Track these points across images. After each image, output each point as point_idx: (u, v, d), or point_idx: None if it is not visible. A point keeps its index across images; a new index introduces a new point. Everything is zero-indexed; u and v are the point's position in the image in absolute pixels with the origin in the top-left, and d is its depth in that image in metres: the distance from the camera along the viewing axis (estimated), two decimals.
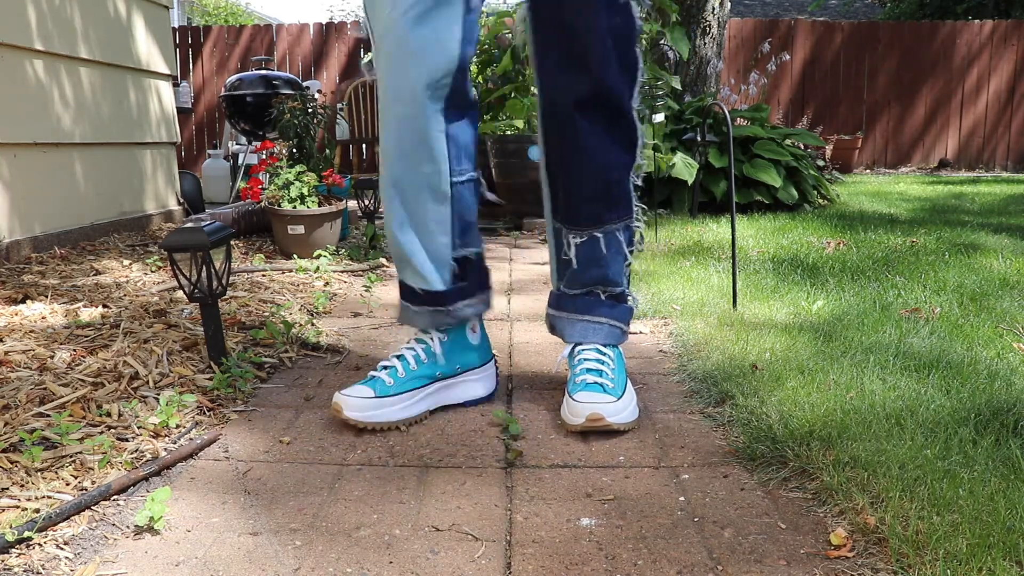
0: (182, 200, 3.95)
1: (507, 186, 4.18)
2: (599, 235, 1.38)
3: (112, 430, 1.26)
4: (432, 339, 1.41)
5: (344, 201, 3.08)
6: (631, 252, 1.42)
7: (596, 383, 1.32)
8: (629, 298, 1.46)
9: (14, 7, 2.65)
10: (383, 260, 2.89)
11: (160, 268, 2.57)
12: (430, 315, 1.39)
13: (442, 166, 1.30)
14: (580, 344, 1.42)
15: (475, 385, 1.45)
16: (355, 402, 1.30)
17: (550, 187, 1.42)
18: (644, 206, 1.45)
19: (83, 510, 1.02)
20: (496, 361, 1.52)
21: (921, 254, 2.75)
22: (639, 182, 1.40)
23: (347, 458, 1.22)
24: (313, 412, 1.41)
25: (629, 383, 1.38)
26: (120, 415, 1.31)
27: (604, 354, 1.39)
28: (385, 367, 1.38)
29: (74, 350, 1.58)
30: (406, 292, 1.41)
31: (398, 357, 1.39)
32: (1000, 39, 8.73)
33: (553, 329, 1.49)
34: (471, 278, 1.41)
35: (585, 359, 1.39)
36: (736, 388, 1.41)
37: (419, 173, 1.30)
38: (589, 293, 1.43)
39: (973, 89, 8.81)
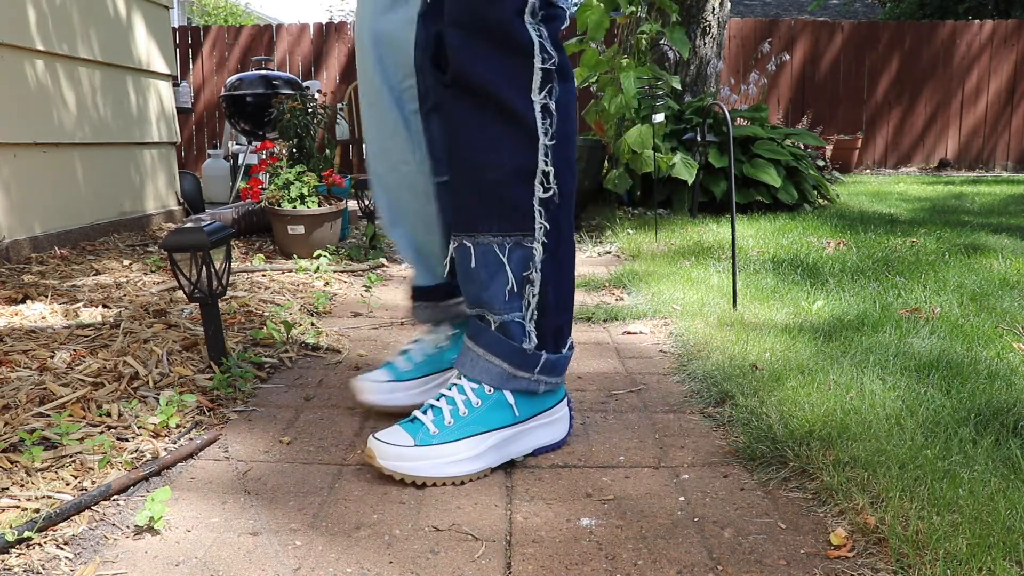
0: (182, 200, 3.95)
1: None
2: (469, 245, 1.17)
3: (112, 430, 1.26)
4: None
5: (344, 201, 3.08)
6: (525, 278, 1.16)
7: (418, 421, 1.15)
8: (528, 336, 1.18)
9: (14, 7, 2.65)
10: (383, 260, 2.89)
11: (160, 268, 2.57)
12: (422, 310, 1.41)
13: (422, 166, 1.29)
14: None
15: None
16: (373, 386, 1.35)
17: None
18: (548, 224, 1.17)
19: (83, 510, 1.02)
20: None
21: (921, 254, 2.75)
22: (544, 195, 1.15)
23: (347, 458, 1.22)
24: (313, 412, 1.41)
25: (478, 442, 1.15)
26: (120, 415, 1.31)
27: (463, 392, 1.18)
28: (406, 350, 1.40)
29: (74, 350, 1.58)
30: (412, 290, 1.42)
31: (415, 340, 1.41)
32: (1000, 39, 8.73)
33: None
34: None
35: (442, 394, 1.19)
36: (736, 388, 1.41)
37: (399, 172, 1.30)
38: (480, 317, 1.21)
39: (973, 89, 8.81)
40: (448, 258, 1.25)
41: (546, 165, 1.15)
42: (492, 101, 1.12)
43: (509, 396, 1.19)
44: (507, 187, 1.14)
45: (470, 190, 1.17)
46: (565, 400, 1.27)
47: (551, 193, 1.16)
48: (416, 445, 1.12)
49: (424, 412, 1.17)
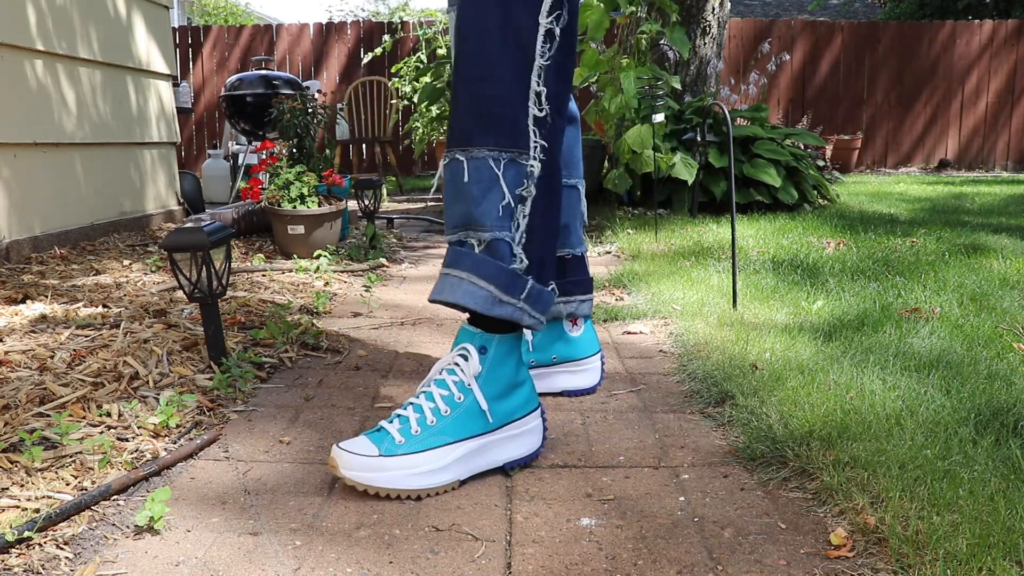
0: (182, 200, 3.95)
1: None
2: (462, 159, 1.14)
3: (112, 430, 1.26)
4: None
5: (344, 201, 3.08)
6: (518, 196, 1.15)
7: (384, 430, 1.11)
8: (517, 258, 1.16)
9: (14, 7, 2.65)
10: (383, 260, 2.89)
11: (160, 268, 2.57)
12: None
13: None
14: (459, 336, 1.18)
15: (573, 377, 1.47)
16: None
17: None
18: (544, 142, 1.17)
19: (83, 510, 1.02)
20: (603, 355, 1.53)
21: (921, 254, 2.75)
22: (539, 114, 1.16)
23: None
24: (313, 412, 1.41)
25: (444, 453, 1.10)
26: (120, 415, 1.31)
27: (430, 399, 1.13)
28: None
29: (74, 350, 1.58)
30: None
31: None
32: (1000, 39, 8.74)
33: None
34: (569, 276, 1.47)
35: (409, 402, 1.15)
36: (736, 388, 1.41)
37: None
38: (461, 242, 1.16)
39: (973, 89, 8.81)
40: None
41: (538, 86, 1.15)
42: (500, 16, 1.12)
43: (482, 400, 1.14)
44: (504, 102, 1.13)
45: (467, 102, 1.14)
46: (539, 410, 1.22)
47: (544, 114, 1.16)
48: (380, 456, 1.08)
49: (391, 421, 1.12)
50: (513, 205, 1.15)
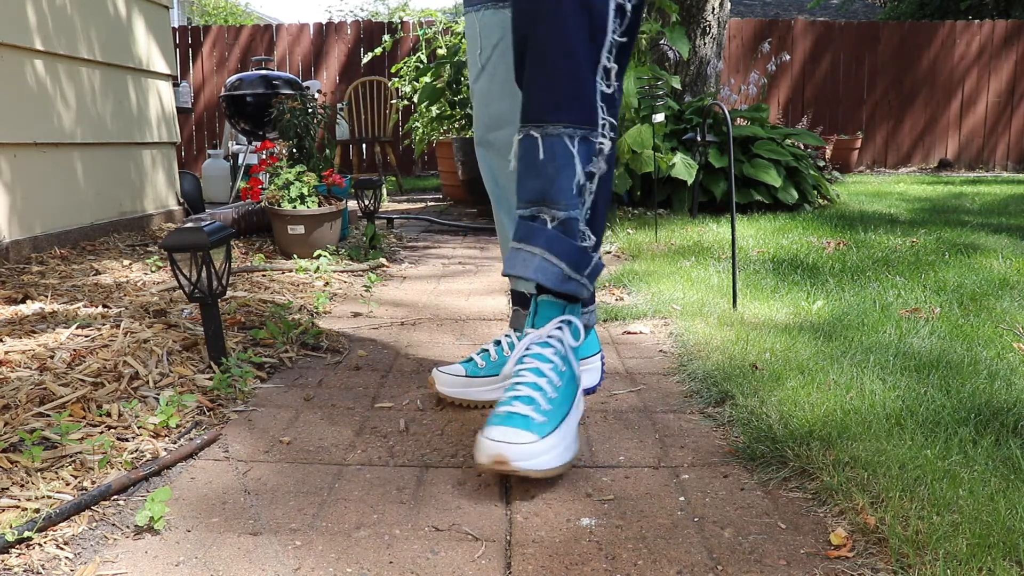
0: (182, 200, 3.95)
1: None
2: (537, 135, 1.15)
3: (112, 430, 1.26)
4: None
5: (344, 201, 3.08)
6: (589, 174, 1.18)
7: (518, 414, 1.09)
8: (585, 235, 1.20)
9: (14, 7, 2.65)
10: (383, 260, 2.89)
11: (160, 268, 2.57)
12: (522, 317, 1.43)
13: None
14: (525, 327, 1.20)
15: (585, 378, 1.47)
16: (446, 378, 1.41)
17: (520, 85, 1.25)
18: (612, 119, 1.20)
19: (83, 510, 1.02)
20: (603, 356, 1.52)
21: (921, 254, 2.75)
22: (607, 91, 1.18)
23: (347, 458, 1.22)
24: (313, 412, 1.41)
25: (573, 412, 1.16)
26: (120, 415, 1.31)
27: (544, 375, 1.15)
28: (484, 350, 1.44)
29: (74, 350, 1.58)
30: (516, 297, 1.47)
31: (494, 341, 1.45)
32: (1000, 39, 8.73)
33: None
34: None
35: (519, 382, 1.14)
36: (736, 388, 1.41)
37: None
38: (534, 217, 1.19)
39: (973, 89, 8.81)
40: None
41: (608, 62, 1.16)
42: None
43: (577, 368, 1.19)
44: (577, 78, 1.14)
45: (542, 77, 1.15)
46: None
47: (612, 90, 1.18)
48: (539, 440, 1.07)
49: (510, 403, 1.11)
50: (583, 183, 1.17)
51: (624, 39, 1.18)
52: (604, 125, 1.18)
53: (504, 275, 1.20)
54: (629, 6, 1.16)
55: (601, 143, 1.18)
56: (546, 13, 1.13)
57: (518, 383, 1.14)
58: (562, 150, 1.15)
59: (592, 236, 1.21)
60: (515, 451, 1.04)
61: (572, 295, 1.20)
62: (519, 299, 1.47)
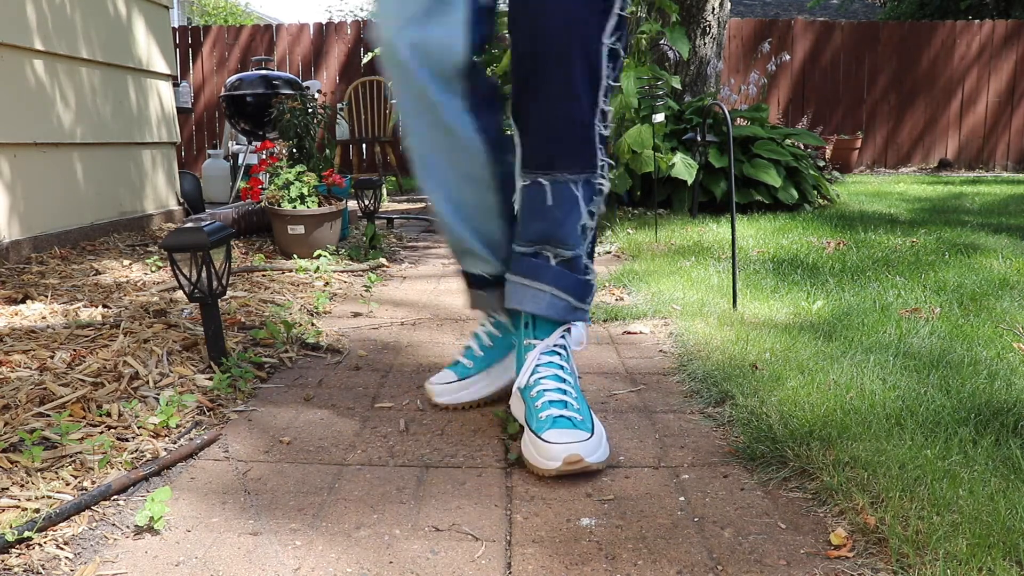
0: (182, 200, 3.95)
1: None
2: (545, 183, 1.20)
3: (112, 430, 1.26)
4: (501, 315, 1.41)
5: (344, 201, 3.08)
6: (591, 213, 1.23)
7: (563, 417, 1.17)
8: (587, 270, 1.27)
9: (14, 7, 2.65)
10: (383, 260, 2.89)
11: (160, 268, 2.57)
12: (482, 298, 1.43)
13: (478, 157, 1.29)
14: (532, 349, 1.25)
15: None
16: (440, 388, 1.41)
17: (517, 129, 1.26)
18: (611, 161, 1.28)
19: (83, 510, 1.02)
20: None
21: (921, 254, 2.75)
22: (605, 132, 1.22)
23: (347, 458, 1.22)
24: (313, 412, 1.41)
25: (589, 409, 1.25)
26: (120, 415, 1.31)
27: (564, 380, 1.23)
28: (467, 347, 1.45)
29: (74, 350, 1.58)
30: (472, 280, 1.43)
31: (473, 336, 1.45)
32: (1000, 39, 8.73)
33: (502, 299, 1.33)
34: None
35: (545, 388, 1.21)
36: (736, 388, 1.41)
37: (458, 169, 1.31)
38: (537, 254, 1.24)
39: (973, 89, 8.81)
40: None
41: (605, 105, 1.20)
42: (576, 37, 1.14)
43: (569, 352, 1.26)
44: (584, 125, 1.18)
45: (550, 125, 1.18)
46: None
47: (608, 132, 1.22)
48: (592, 435, 1.16)
49: (554, 408, 1.18)
50: (586, 223, 1.23)
51: (616, 84, 1.23)
52: (603, 166, 1.23)
53: (508, 308, 1.27)
54: (621, 49, 1.20)
55: (601, 184, 1.23)
56: (554, 62, 1.15)
57: (545, 390, 1.21)
58: (568, 195, 1.20)
59: (592, 267, 1.28)
60: (584, 448, 1.12)
61: (578, 321, 1.29)
62: (478, 282, 1.42)
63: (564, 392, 1.20)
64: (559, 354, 1.25)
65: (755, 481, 1.13)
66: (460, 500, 1.08)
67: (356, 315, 2.14)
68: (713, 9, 4.84)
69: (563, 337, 1.26)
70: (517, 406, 1.27)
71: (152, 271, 2.53)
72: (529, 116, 1.21)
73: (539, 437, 1.14)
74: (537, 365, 1.24)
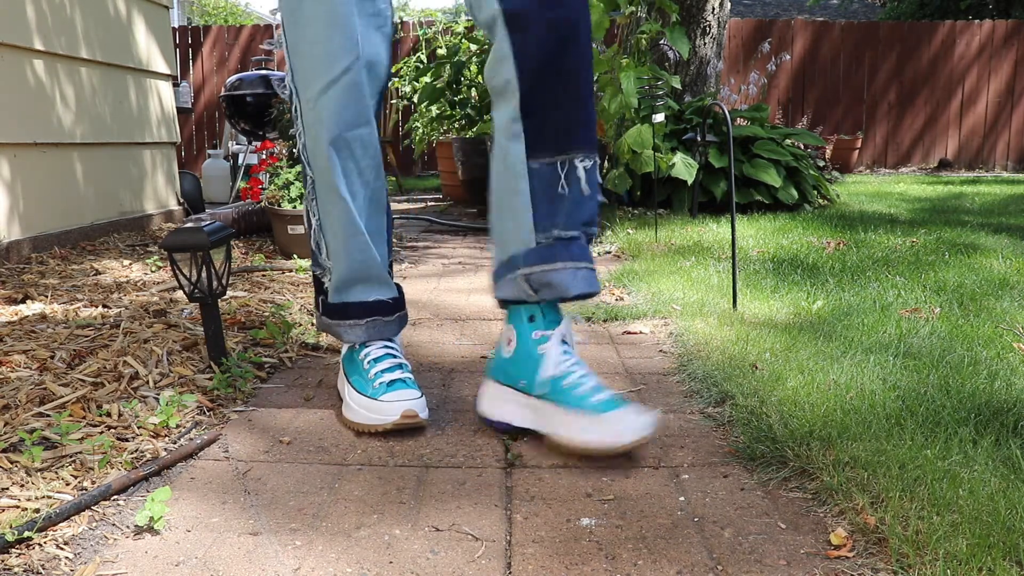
0: (182, 200, 3.95)
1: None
2: (578, 164, 1.25)
3: (112, 430, 1.26)
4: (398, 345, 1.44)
5: None
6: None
7: (611, 399, 1.21)
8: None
9: (14, 7, 2.65)
10: None
11: (160, 268, 2.57)
12: (397, 322, 1.43)
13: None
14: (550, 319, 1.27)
15: None
16: (420, 403, 1.32)
17: (527, 121, 1.24)
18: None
19: (83, 510, 1.02)
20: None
21: (921, 254, 2.75)
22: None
23: (347, 458, 1.22)
24: (313, 412, 1.41)
25: None
26: (120, 415, 1.31)
27: (583, 364, 1.26)
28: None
29: (74, 350, 1.58)
30: (367, 308, 1.39)
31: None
32: (1000, 39, 8.74)
33: (536, 290, 1.27)
34: None
35: (573, 368, 1.24)
36: (736, 388, 1.41)
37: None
38: (582, 236, 1.28)
39: (973, 89, 8.81)
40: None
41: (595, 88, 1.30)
42: (584, 26, 1.21)
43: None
44: (593, 106, 1.26)
45: (579, 111, 1.23)
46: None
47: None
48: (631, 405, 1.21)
49: (599, 392, 1.21)
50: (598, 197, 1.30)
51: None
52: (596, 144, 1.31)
53: (586, 295, 1.28)
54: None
55: (596, 160, 1.29)
56: (575, 45, 1.21)
57: (581, 375, 1.24)
58: (594, 176, 1.26)
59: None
60: (643, 422, 1.17)
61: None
62: (375, 308, 1.41)
63: (594, 375, 1.25)
64: (567, 344, 1.28)
65: (755, 481, 1.13)
66: (460, 500, 1.08)
67: None
68: (713, 9, 4.84)
69: (568, 333, 1.29)
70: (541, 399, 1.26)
71: (152, 271, 2.53)
72: (559, 100, 1.23)
73: (599, 416, 1.17)
74: (562, 358, 1.25)
